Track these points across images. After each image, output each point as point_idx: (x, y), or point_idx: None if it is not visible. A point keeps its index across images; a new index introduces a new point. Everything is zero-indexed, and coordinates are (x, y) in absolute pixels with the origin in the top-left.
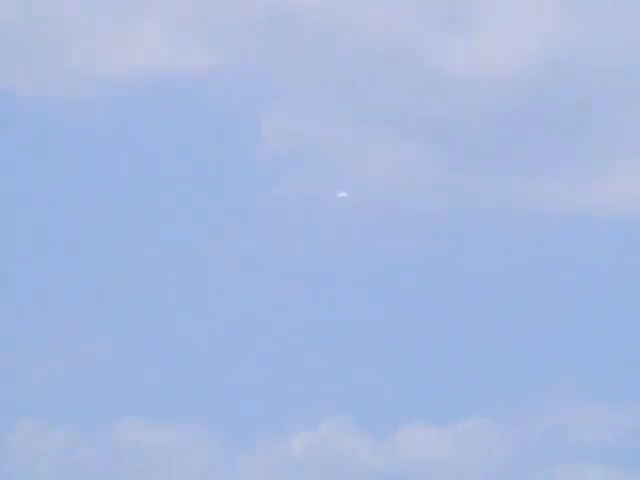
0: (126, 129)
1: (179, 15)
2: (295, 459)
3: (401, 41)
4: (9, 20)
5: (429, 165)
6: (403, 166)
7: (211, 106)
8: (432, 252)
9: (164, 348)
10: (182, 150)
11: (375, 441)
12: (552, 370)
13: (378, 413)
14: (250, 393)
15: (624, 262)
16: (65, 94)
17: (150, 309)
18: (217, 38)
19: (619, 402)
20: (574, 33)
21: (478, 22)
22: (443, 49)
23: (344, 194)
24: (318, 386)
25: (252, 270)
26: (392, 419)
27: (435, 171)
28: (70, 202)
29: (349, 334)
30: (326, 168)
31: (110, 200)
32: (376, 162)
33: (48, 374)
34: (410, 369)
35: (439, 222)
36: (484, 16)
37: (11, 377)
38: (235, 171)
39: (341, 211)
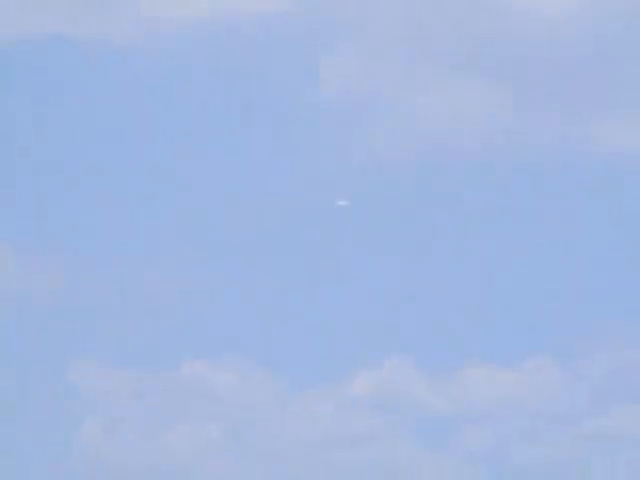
0: (193, 74)
1: None
2: (357, 400)
3: None
4: None
5: (494, 106)
6: (468, 107)
7: (273, 50)
8: (495, 191)
9: (228, 289)
10: (244, 94)
11: (437, 381)
12: (618, 307)
13: (440, 353)
14: (312, 334)
15: None
16: (137, 41)
17: (212, 248)
18: None
19: None
20: None
21: None
22: None
23: (345, 203)
24: (380, 326)
25: (319, 210)
26: (454, 359)
27: (500, 112)
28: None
29: (411, 274)
30: (389, 111)
31: (188, 138)
32: (441, 103)
33: (112, 316)
34: (473, 308)
35: (503, 163)
36: None
37: (76, 318)
38: (296, 118)
39: (405, 153)
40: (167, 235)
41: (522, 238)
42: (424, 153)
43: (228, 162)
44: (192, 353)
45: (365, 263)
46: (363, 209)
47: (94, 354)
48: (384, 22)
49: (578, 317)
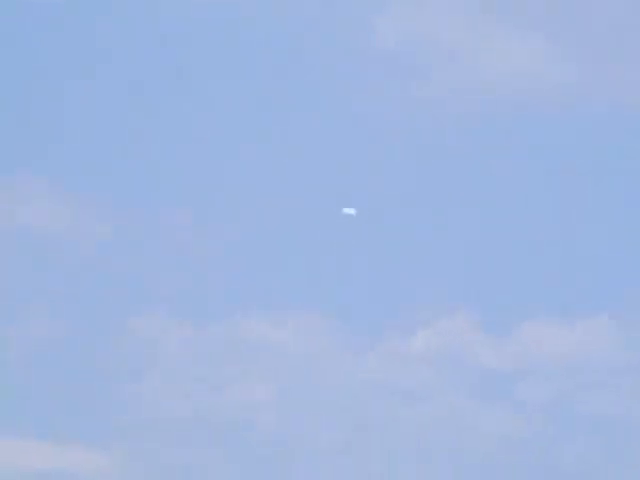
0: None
1: None
2: (414, 356)
3: None
4: None
5: (557, 59)
6: (530, 60)
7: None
8: (560, 144)
9: (278, 241)
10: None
11: (495, 337)
12: None
13: (498, 309)
14: (369, 291)
15: None
16: None
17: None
18: None
19: None
20: None
21: None
22: None
23: (352, 211)
24: (439, 282)
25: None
26: (512, 315)
27: (562, 65)
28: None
29: (470, 227)
30: (450, 65)
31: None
32: (503, 56)
33: (169, 270)
34: (531, 262)
35: (567, 117)
36: None
37: (132, 270)
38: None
39: (466, 105)
40: (219, 189)
41: (585, 193)
42: (486, 105)
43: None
44: (252, 307)
45: (423, 215)
46: (422, 163)
47: (153, 307)
48: None
49: (638, 274)
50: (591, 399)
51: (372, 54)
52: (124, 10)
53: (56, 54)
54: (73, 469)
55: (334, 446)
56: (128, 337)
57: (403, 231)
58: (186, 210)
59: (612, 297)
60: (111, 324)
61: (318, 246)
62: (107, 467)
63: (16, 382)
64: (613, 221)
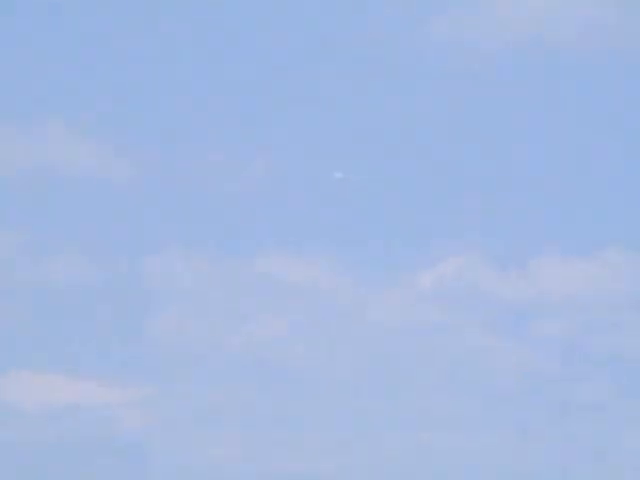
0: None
1: None
2: (429, 292)
3: None
4: None
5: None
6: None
7: None
8: (589, 85)
9: (294, 178)
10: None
11: (507, 272)
12: None
13: (513, 244)
14: (383, 227)
15: None
16: None
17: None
18: None
19: None
20: None
21: None
22: None
23: (340, 175)
24: (450, 217)
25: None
26: (528, 250)
27: (601, 9)
28: None
29: (488, 161)
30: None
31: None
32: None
33: (188, 206)
34: (545, 197)
35: (601, 61)
36: None
37: (151, 209)
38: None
39: (498, 43)
40: (234, 126)
41: (608, 131)
42: (519, 44)
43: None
44: (268, 243)
45: (440, 149)
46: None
47: (171, 243)
48: None
49: None
50: (607, 334)
51: None
52: None
53: None
54: (93, 403)
55: (350, 382)
56: (145, 274)
57: (417, 165)
58: (203, 147)
59: (629, 231)
60: (128, 261)
61: (332, 183)
62: (133, 403)
63: (35, 320)
64: (633, 154)
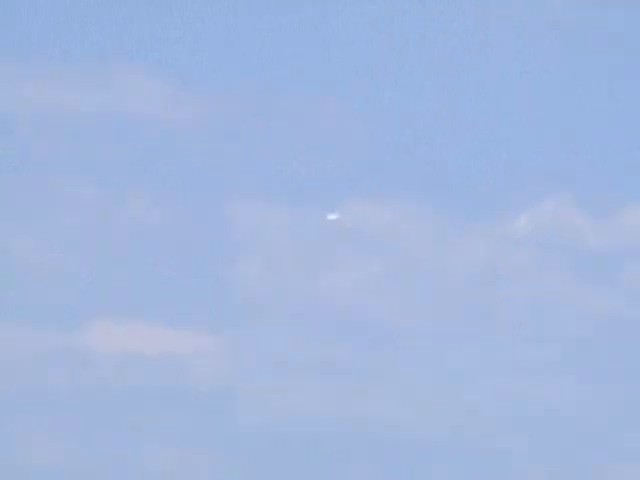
0: None
1: None
2: (515, 239)
3: None
4: None
5: None
6: None
7: None
8: None
9: (375, 124)
10: None
11: (598, 220)
12: None
13: (601, 191)
14: (468, 169)
15: None
16: None
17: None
18: None
19: None
20: None
21: None
22: None
23: (334, 216)
24: (541, 163)
25: None
26: (616, 198)
27: None
28: None
29: (576, 110)
30: None
31: None
32: None
33: (271, 151)
34: (637, 145)
35: None
36: None
37: (230, 154)
38: None
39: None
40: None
41: None
42: None
43: None
44: (349, 193)
45: (521, 92)
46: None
47: (252, 191)
48: None
49: None
50: None
51: None
52: None
53: None
54: (173, 352)
55: (429, 331)
56: (225, 223)
57: (497, 106)
58: (283, 94)
59: None
60: (209, 210)
61: (417, 131)
62: (214, 351)
63: (117, 267)
64: None
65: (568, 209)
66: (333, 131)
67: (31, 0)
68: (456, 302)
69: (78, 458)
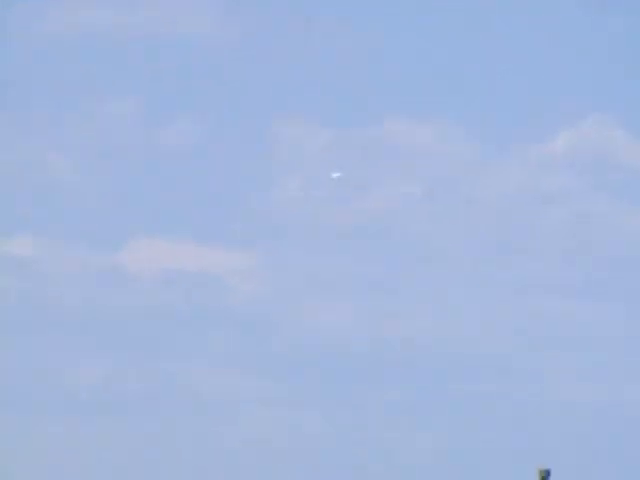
0: None
1: None
2: (555, 158)
3: None
4: None
5: None
6: None
7: None
8: None
9: (418, 42)
10: None
11: (637, 141)
12: None
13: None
14: (509, 94)
15: None
16: None
17: None
18: None
19: None
20: None
21: None
22: None
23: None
24: (581, 83)
25: None
26: None
27: None
28: None
29: (614, 30)
30: None
31: None
32: None
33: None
34: None
35: None
36: None
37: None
38: None
39: None
40: None
41: None
42: None
43: None
44: (393, 111)
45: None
46: None
47: (297, 111)
48: None
49: None
50: None
51: None
52: None
53: None
54: (215, 271)
55: (466, 248)
56: (268, 142)
57: (534, 22)
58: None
59: None
60: (252, 129)
61: (455, 52)
62: (249, 268)
63: (159, 186)
64: None
65: (608, 129)
66: (374, 52)
67: None
68: (491, 224)
69: (123, 376)
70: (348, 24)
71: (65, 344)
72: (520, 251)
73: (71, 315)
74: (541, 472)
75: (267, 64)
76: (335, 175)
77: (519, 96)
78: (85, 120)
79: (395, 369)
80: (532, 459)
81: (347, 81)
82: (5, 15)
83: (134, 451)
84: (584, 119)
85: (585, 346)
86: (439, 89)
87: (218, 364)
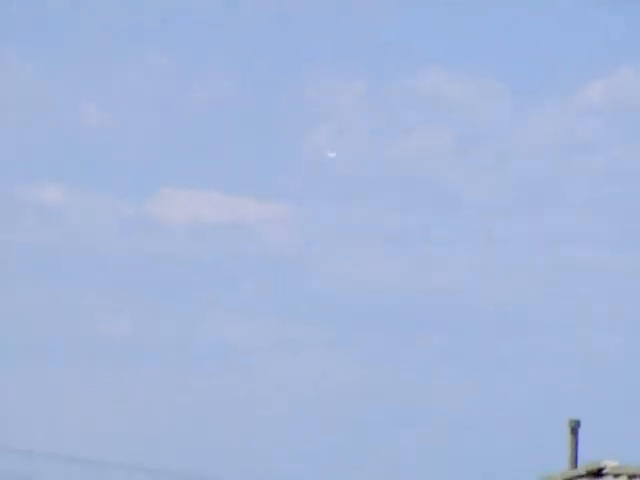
0: None
1: None
2: (588, 108)
3: None
4: None
5: None
6: None
7: None
8: None
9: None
10: None
11: None
12: None
13: None
14: (537, 42)
15: None
16: None
17: None
18: None
19: None
20: None
21: None
22: None
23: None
24: (613, 33)
25: None
26: None
27: None
28: None
29: None
30: None
31: None
32: None
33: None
34: None
35: None
36: None
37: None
38: None
39: None
40: None
41: None
42: None
43: None
44: (425, 63)
45: None
46: None
47: (329, 62)
48: None
49: None
50: None
51: None
52: None
53: None
54: (242, 220)
55: (503, 202)
56: (303, 92)
57: None
58: None
59: None
60: (285, 78)
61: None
62: (280, 218)
63: (190, 136)
64: None
65: None
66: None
67: None
68: (524, 175)
69: (155, 324)
70: None
71: (95, 292)
72: (550, 201)
73: (101, 263)
74: (571, 422)
75: (301, 14)
76: (331, 155)
77: (549, 49)
78: (118, 71)
79: (428, 319)
80: (564, 411)
81: (380, 31)
82: None
83: (163, 399)
84: (618, 69)
85: (617, 297)
86: (472, 40)
87: (248, 312)
